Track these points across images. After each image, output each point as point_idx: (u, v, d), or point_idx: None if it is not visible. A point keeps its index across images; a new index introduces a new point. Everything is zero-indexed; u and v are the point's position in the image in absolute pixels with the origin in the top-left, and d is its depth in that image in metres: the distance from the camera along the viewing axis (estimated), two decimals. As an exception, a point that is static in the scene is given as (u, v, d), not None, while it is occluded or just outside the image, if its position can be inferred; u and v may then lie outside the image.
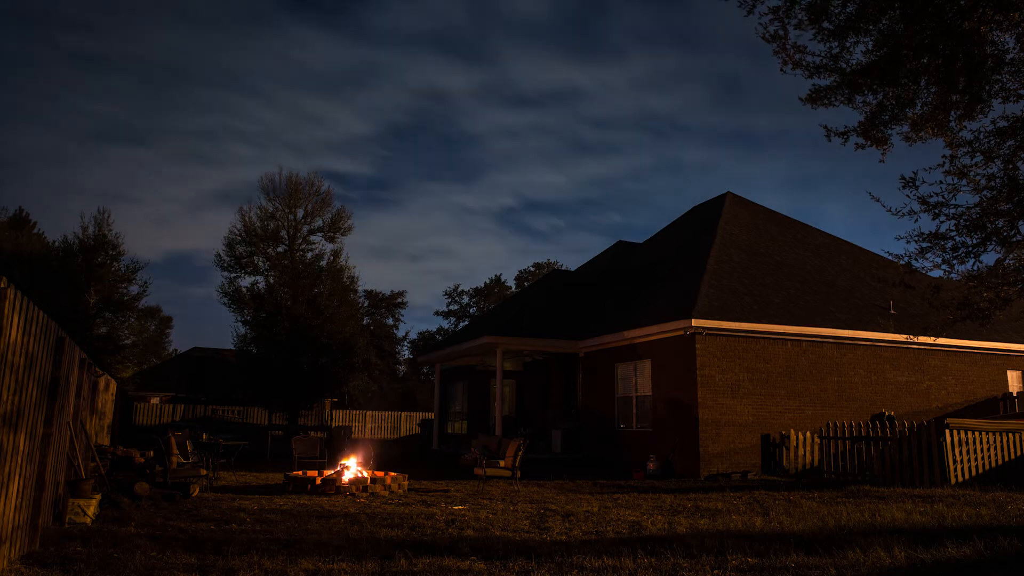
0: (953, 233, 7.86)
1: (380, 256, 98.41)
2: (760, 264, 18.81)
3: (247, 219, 33.98)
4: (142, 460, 12.02)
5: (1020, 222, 7.59)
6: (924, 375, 18.09)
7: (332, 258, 34.53)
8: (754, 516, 8.54)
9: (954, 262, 7.98)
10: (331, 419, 36.17)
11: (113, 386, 16.31)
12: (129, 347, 37.21)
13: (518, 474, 12.64)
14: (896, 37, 6.72)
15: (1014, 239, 7.65)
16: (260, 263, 33.69)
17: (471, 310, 57.23)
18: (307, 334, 30.71)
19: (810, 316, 16.95)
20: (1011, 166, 7.46)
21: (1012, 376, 19.57)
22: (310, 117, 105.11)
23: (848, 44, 7.06)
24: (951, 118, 7.19)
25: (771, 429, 15.74)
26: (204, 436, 19.62)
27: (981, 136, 7.40)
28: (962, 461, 11.96)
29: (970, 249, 7.86)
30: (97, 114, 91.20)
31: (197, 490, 10.37)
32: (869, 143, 7.47)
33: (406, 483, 11.76)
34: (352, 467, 11.68)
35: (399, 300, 56.80)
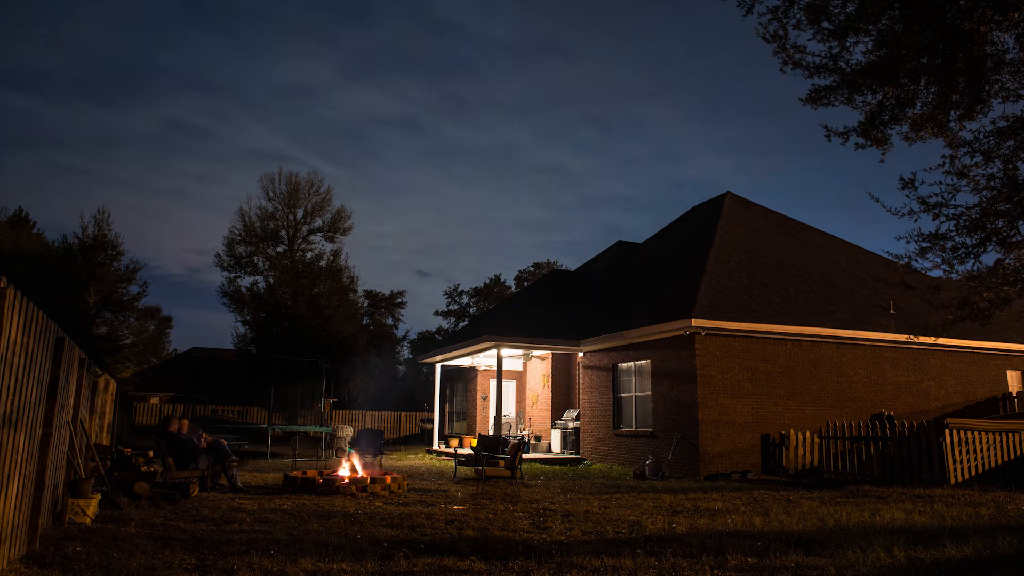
0: (953, 233, 7.86)
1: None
2: (760, 264, 18.81)
3: (247, 219, 33.99)
4: (141, 460, 12.02)
5: (1020, 222, 7.59)
6: (924, 375, 18.09)
7: (332, 258, 34.54)
8: (754, 516, 8.54)
9: (954, 262, 7.98)
10: (331, 419, 36.18)
11: (113, 386, 16.31)
12: (129, 347, 37.26)
13: (518, 474, 12.63)
14: (896, 37, 6.72)
15: (1014, 239, 7.65)
16: (260, 263, 33.70)
17: (471, 310, 57.20)
18: (307, 334, 30.71)
19: (810, 316, 16.95)
20: (1011, 166, 7.46)
21: (1012, 376, 19.57)
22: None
23: (848, 44, 7.05)
24: (951, 118, 7.19)
25: (771, 429, 15.74)
26: (204, 436, 19.56)
27: (981, 136, 7.40)
28: (962, 461, 11.96)
29: (970, 249, 7.86)
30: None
31: (196, 490, 10.36)
32: (869, 143, 7.47)
33: (406, 483, 11.75)
34: (353, 467, 11.68)
35: (399, 300, 56.78)
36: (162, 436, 11.37)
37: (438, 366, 25.42)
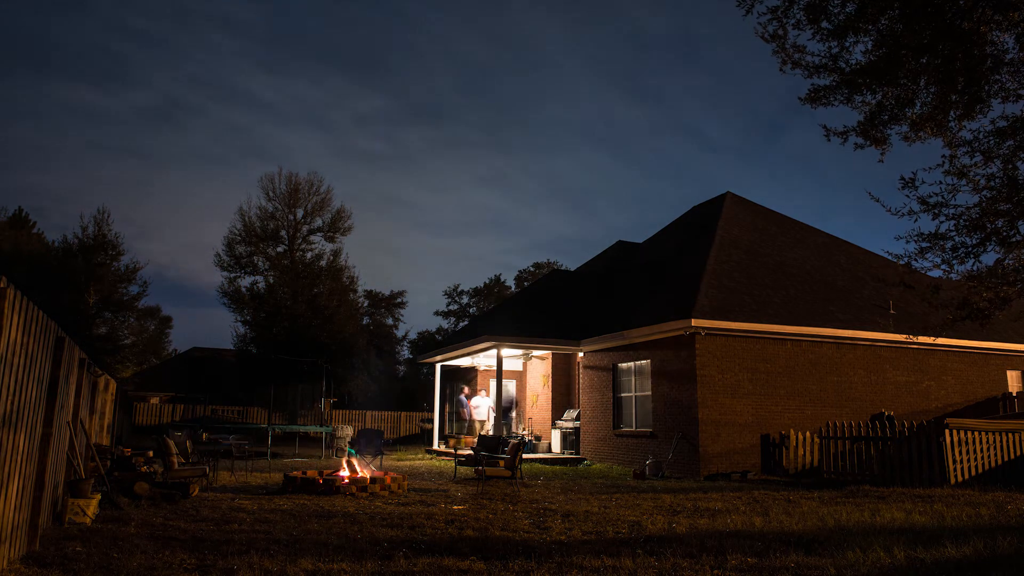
0: (953, 233, 7.86)
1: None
2: (760, 264, 18.81)
3: (247, 219, 33.99)
4: (141, 460, 12.02)
5: (1020, 222, 7.59)
6: (924, 375, 18.10)
7: (332, 258, 34.54)
8: (754, 516, 8.54)
9: (954, 262, 7.98)
10: (331, 419, 36.18)
11: (113, 386, 16.32)
12: (129, 347, 37.27)
13: (518, 474, 12.63)
14: (896, 37, 6.72)
15: (1014, 239, 7.65)
16: (260, 263, 33.70)
17: (471, 310, 57.20)
18: (307, 334, 30.70)
19: (810, 316, 16.95)
20: (1011, 166, 7.46)
21: (1012, 376, 19.57)
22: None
23: (847, 44, 7.05)
24: (951, 118, 7.19)
25: (771, 429, 15.74)
26: (204, 436, 19.62)
27: (981, 136, 7.40)
28: (962, 461, 11.96)
29: (970, 249, 7.86)
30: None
31: (197, 490, 10.36)
32: (868, 143, 7.47)
33: (406, 483, 11.76)
34: (352, 467, 11.68)
35: (399, 300, 56.80)
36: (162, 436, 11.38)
37: (438, 366, 25.42)
